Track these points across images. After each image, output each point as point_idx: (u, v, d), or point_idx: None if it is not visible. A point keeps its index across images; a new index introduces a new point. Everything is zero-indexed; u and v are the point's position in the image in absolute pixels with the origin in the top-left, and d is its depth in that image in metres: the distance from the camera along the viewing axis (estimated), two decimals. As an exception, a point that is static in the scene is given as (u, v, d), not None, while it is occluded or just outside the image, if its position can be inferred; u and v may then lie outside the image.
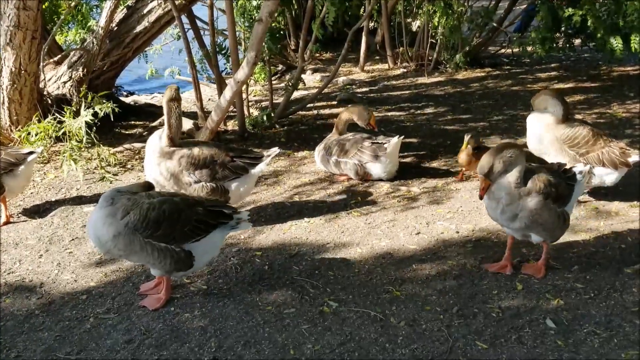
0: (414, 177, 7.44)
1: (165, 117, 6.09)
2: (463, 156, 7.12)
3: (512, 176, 4.95)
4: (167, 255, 4.70)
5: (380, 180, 7.35)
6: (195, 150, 6.07)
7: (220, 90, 8.74)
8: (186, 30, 9.47)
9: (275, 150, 6.38)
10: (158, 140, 6.12)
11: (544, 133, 6.47)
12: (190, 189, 6.00)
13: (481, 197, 5.11)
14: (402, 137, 7.40)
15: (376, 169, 7.26)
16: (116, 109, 8.06)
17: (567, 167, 5.45)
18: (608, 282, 5.12)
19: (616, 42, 9.27)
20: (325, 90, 10.63)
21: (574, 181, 5.23)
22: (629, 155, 6.30)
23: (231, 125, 9.39)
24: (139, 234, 4.62)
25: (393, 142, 7.23)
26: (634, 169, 6.81)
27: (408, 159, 7.94)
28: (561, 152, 6.39)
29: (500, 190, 5.00)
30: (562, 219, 5.08)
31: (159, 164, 6.06)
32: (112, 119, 8.06)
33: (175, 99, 6.08)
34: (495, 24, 12.54)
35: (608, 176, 6.32)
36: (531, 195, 4.94)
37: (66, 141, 7.71)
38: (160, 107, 10.83)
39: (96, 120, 7.82)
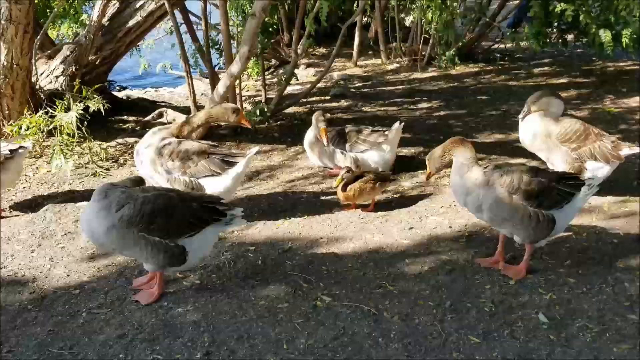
0: (407, 172, 7.44)
1: (200, 116, 6.33)
2: (341, 194, 6.45)
3: (456, 168, 5.04)
4: (161, 249, 4.68)
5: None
6: (173, 142, 6.05)
7: (214, 85, 8.72)
8: (179, 24, 9.45)
9: (253, 151, 6.18)
10: (153, 136, 6.12)
11: (538, 129, 6.47)
12: (162, 177, 5.98)
13: (426, 179, 5.59)
14: (402, 123, 7.38)
15: (376, 157, 7.22)
16: (106, 105, 8.03)
17: (575, 174, 5.46)
18: (600, 276, 5.14)
19: (605, 36, 9.27)
20: (319, 85, 10.63)
21: (572, 189, 5.07)
22: (621, 148, 6.33)
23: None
24: (132, 227, 4.60)
25: (395, 128, 7.23)
26: (626, 164, 6.84)
27: (401, 154, 7.93)
28: (554, 148, 6.40)
29: (456, 183, 5.06)
30: (536, 219, 4.93)
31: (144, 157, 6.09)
32: (103, 114, 8.03)
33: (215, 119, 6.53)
34: (488, 19, 12.55)
35: (600, 170, 6.33)
36: (494, 187, 4.94)
37: (57, 135, 7.67)
38: (154, 102, 10.87)
39: (87, 115, 7.79)
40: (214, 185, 6.00)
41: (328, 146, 7.31)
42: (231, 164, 6.03)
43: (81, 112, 7.69)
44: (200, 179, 5.99)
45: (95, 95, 8.02)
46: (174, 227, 4.71)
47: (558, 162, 6.39)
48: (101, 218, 4.62)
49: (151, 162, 6.01)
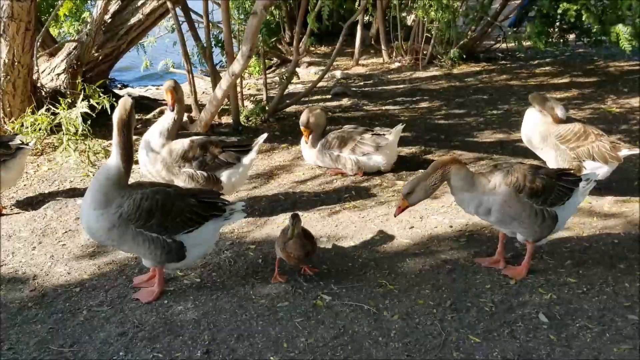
0: (408, 171, 7.44)
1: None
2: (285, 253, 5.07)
3: (459, 186, 4.94)
4: (158, 246, 4.68)
5: (375, 173, 7.36)
6: (187, 143, 6.12)
7: (215, 83, 8.72)
8: (181, 22, 9.45)
9: (262, 137, 6.38)
10: (158, 136, 6.15)
11: (539, 127, 6.49)
12: (182, 177, 6.03)
13: (395, 215, 5.20)
14: (403, 125, 7.43)
15: (377, 159, 7.27)
16: (115, 103, 8.02)
17: (574, 171, 5.43)
18: (601, 276, 5.14)
19: (626, 30, 9.12)
20: (320, 84, 10.62)
21: (572, 185, 5.10)
22: (619, 149, 6.33)
23: (225, 118, 9.38)
24: (132, 224, 4.60)
25: (395, 130, 7.27)
26: (627, 164, 6.84)
27: (402, 153, 7.93)
28: (553, 148, 6.42)
29: (466, 199, 5.00)
30: (542, 217, 4.95)
31: (154, 159, 6.11)
32: (109, 112, 8.02)
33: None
34: (490, 18, 12.54)
35: (598, 170, 6.33)
36: (501, 188, 4.91)
37: (62, 132, 7.65)
38: (155, 100, 10.86)
39: (93, 113, 7.77)
40: (230, 175, 6.17)
41: (307, 144, 7.46)
42: (244, 153, 6.24)
43: (87, 109, 7.66)
44: (218, 172, 6.14)
45: (100, 94, 8.00)
46: (171, 223, 4.70)
47: (557, 161, 6.40)
48: (101, 220, 4.60)
49: (167, 166, 6.11)
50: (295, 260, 5.03)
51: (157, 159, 6.12)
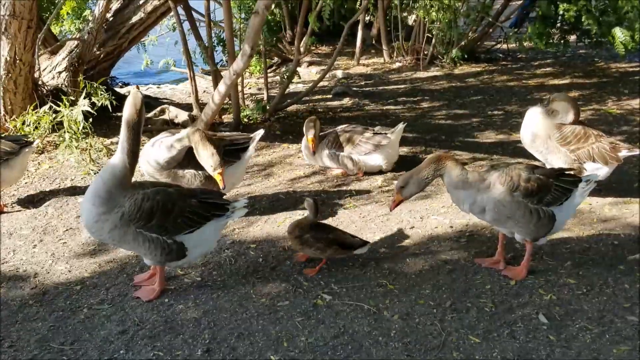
0: (408, 171, 7.43)
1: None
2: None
3: (453, 183, 4.95)
4: (158, 246, 4.67)
5: (375, 173, 7.37)
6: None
7: (216, 82, 8.73)
8: (182, 21, 9.47)
9: (259, 132, 6.36)
10: (165, 151, 6.04)
11: (539, 130, 6.50)
12: (184, 181, 6.01)
13: (391, 210, 5.40)
14: (404, 124, 7.43)
15: (378, 159, 7.27)
16: (114, 102, 8.03)
17: (574, 172, 5.44)
18: (601, 277, 5.15)
19: (623, 34, 9.13)
20: (321, 83, 10.63)
21: (571, 186, 5.09)
22: (619, 150, 6.33)
23: (226, 117, 9.38)
24: (133, 224, 4.60)
25: (397, 130, 7.27)
26: (627, 165, 6.85)
27: (403, 153, 7.94)
28: (554, 150, 6.42)
29: (458, 197, 5.02)
30: (537, 216, 4.94)
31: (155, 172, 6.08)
32: (111, 110, 8.04)
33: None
34: (491, 19, 12.55)
35: (598, 171, 6.33)
36: (495, 186, 4.92)
37: (64, 130, 7.65)
38: (156, 99, 10.88)
39: (94, 111, 7.77)
40: (231, 172, 6.12)
41: (314, 155, 7.39)
42: (243, 150, 6.25)
43: (89, 107, 7.66)
44: None
45: (101, 92, 8.01)
46: (172, 224, 4.69)
47: (557, 163, 6.40)
48: (103, 221, 4.58)
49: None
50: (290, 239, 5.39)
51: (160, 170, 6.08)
